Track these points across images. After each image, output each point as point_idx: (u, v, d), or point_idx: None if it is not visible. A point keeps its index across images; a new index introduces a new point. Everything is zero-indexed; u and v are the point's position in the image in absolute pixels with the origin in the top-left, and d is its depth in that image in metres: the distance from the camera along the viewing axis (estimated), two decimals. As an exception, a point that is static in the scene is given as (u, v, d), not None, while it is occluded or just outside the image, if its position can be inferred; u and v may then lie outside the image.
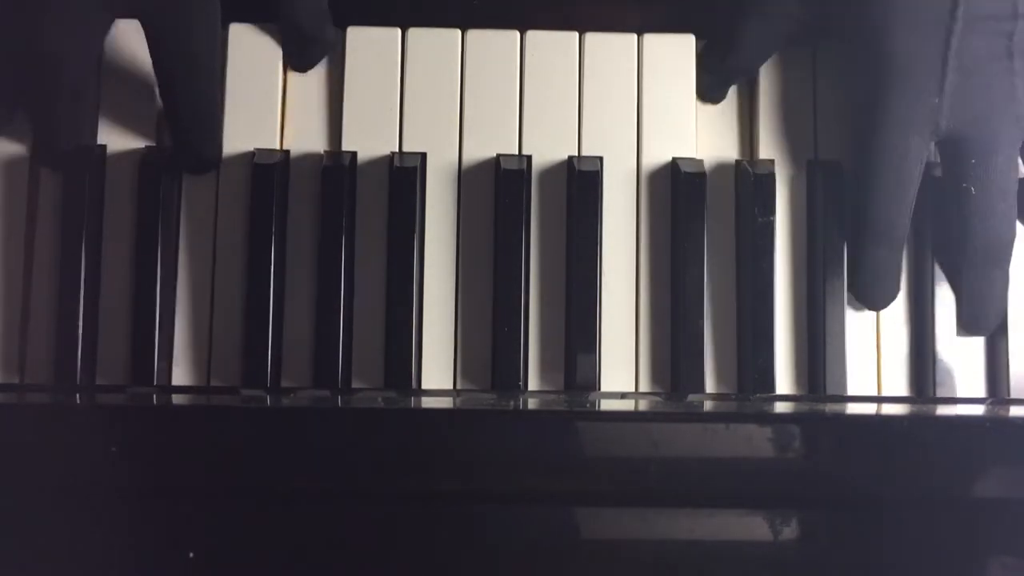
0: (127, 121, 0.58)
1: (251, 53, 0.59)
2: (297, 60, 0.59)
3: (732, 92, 0.60)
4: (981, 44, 0.55)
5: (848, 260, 0.57)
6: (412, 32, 0.59)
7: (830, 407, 0.55)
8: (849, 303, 0.57)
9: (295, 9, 0.58)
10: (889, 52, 0.55)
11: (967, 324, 0.57)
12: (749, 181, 0.57)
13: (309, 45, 0.59)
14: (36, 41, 0.55)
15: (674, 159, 0.58)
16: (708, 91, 0.59)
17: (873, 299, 0.57)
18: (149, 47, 0.57)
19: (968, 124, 0.55)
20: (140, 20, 0.56)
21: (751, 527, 0.49)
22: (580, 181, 0.57)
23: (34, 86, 0.56)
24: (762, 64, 0.59)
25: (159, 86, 0.57)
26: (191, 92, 0.57)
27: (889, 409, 0.56)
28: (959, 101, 0.55)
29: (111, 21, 0.57)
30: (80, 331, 0.56)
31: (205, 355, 0.57)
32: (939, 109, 0.55)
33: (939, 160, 0.57)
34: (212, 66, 0.57)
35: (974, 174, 0.55)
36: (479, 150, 0.58)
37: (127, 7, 0.56)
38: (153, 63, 0.57)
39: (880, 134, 0.55)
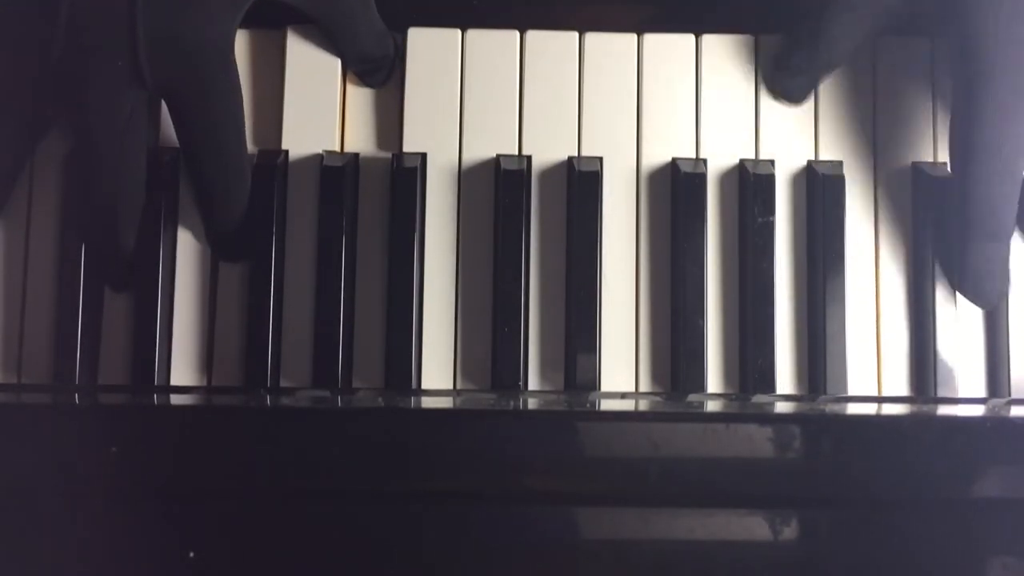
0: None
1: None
2: (370, 80, 0.59)
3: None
4: None
5: (955, 259, 0.56)
6: (412, 32, 0.59)
7: (830, 407, 0.55)
8: (848, 302, 0.57)
9: (359, 43, 0.58)
10: (984, 42, 0.53)
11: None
12: (749, 181, 0.57)
13: (379, 65, 0.59)
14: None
15: (674, 159, 0.58)
16: (793, 92, 0.58)
17: (986, 296, 0.56)
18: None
19: None
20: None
21: (751, 527, 0.49)
22: (580, 181, 0.57)
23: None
24: (847, 59, 0.58)
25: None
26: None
27: (889, 409, 0.56)
28: None
29: None
30: (80, 331, 0.56)
31: (205, 355, 0.57)
32: None
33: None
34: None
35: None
36: (479, 150, 0.58)
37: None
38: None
39: (977, 125, 0.54)
